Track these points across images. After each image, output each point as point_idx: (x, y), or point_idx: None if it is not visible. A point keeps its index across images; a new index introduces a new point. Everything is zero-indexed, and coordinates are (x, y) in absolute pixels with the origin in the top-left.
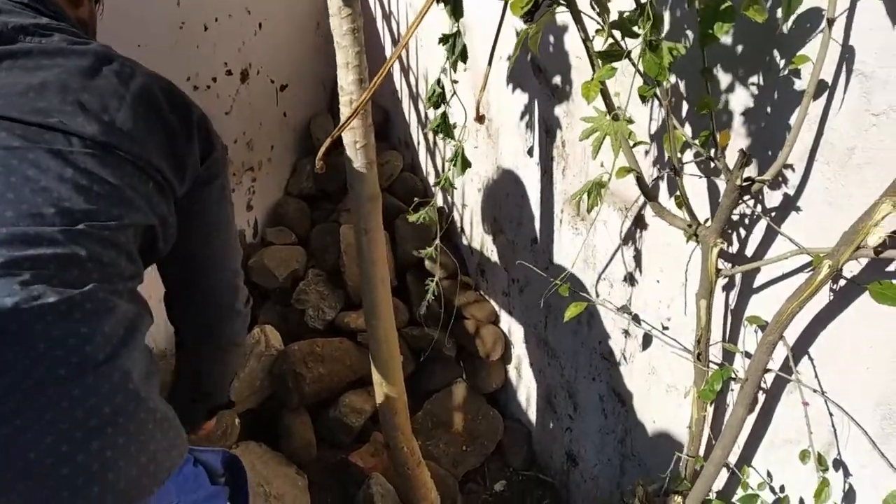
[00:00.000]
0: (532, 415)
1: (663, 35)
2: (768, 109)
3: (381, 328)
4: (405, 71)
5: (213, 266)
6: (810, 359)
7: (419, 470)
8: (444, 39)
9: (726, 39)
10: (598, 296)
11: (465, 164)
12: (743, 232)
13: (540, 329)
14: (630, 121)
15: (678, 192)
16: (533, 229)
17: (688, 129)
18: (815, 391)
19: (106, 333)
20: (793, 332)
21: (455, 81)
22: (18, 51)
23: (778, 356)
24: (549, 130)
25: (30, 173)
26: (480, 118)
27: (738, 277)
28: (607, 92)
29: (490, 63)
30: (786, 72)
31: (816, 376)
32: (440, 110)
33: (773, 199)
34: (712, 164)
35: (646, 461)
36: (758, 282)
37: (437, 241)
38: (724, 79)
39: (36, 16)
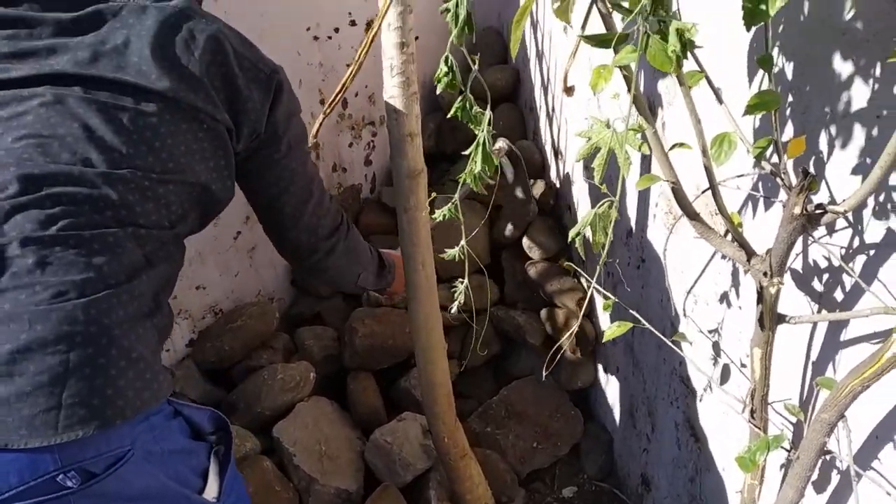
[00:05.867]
0: (615, 423)
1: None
2: (882, 112)
3: (422, 312)
4: (533, 26)
5: (291, 215)
6: None
7: (462, 463)
8: (444, 9)
9: (820, 10)
10: (684, 312)
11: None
12: (828, 271)
13: (628, 334)
14: (638, 128)
15: (737, 211)
16: (629, 219)
17: (787, 133)
18: (890, 493)
19: (102, 273)
20: (875, 411)
21: (474, 59)
22: (107, 10)
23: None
24: (651, 107)
25: (91, 122)
26: (569, 90)
27: (817, 326)
28: (631, 79)
29: (583, 26)
30: None
31: None
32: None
33: (874, 232)
34: (780, 182)
35: None
36: (846, 335)
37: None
38: (813, 66)
39: None
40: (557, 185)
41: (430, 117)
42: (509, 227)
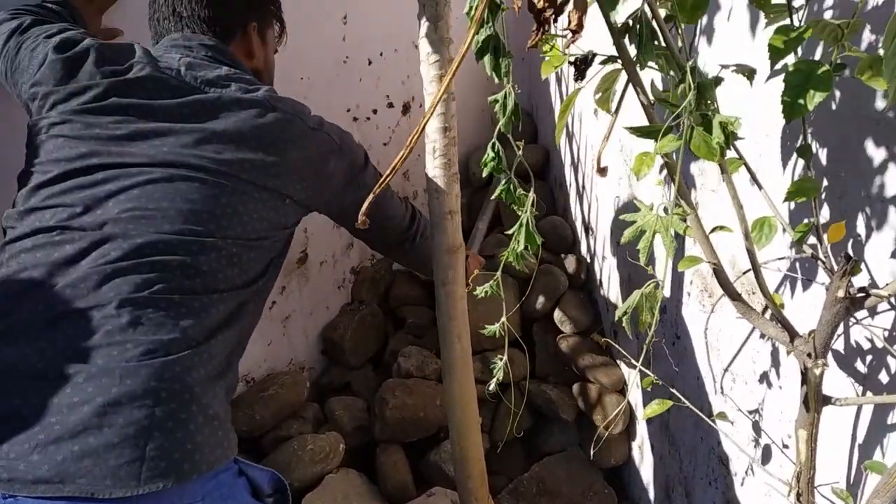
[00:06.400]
0: (650, 503)
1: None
2: None
3: (456, 386)
4: None
5: (390, 235)
6: None
7: None
8: (493, 100)
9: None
10: (721, 390)
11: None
12: (871, 352)
13: (663, 411)
14: (682, 213)
15: (775, 292)
16: (664, 296)
17: (824, 215)
18: None
19: (187, 334)
20: None
21: (518, 145)
22: (206, 100)
23: None
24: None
25: (191, 197)
26: (602, 170)
27: (863, 407)
28: (674, 167)
29: (616, 112)
30: None
31: None
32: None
33: None
34: (819, 265)
35: None
36: (893, 417)
37: (504, 320)
38: (848, 151)
39: (219, 66)
40: (588, 260)
41: (461, 193)
42: (540, 299)
